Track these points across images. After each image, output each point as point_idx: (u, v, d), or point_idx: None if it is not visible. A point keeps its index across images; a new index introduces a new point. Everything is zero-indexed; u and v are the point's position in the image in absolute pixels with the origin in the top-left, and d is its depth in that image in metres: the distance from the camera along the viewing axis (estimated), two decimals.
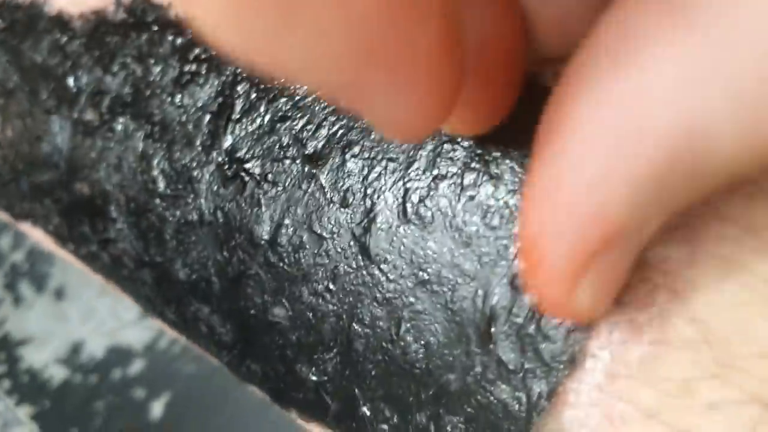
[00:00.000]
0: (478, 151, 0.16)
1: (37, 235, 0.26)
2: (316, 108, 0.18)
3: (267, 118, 0.19)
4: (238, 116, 0.19)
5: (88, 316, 0.42)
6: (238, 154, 0.19)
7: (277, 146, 0.19)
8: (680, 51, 0.10)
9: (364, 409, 0.17)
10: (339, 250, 0.17)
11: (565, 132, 0.11)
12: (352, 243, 0.17)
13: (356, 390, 0.17)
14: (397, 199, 0.17)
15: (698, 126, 0.10)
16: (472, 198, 0.16)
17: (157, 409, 0.39)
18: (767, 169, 0.11)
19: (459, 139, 0.16)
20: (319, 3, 0.09)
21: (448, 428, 0.16)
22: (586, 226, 0.11)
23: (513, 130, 0.15)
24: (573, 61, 0.11)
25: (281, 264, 0.18)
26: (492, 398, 0.15)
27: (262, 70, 0.10)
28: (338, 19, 0.09)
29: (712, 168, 0.10)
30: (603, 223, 0.11)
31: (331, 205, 0.18)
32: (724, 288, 0.13)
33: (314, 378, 0.18)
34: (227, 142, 0.20)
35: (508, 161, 0.16)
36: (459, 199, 0.16)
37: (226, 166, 0.20)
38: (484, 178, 0.16)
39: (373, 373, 0.17)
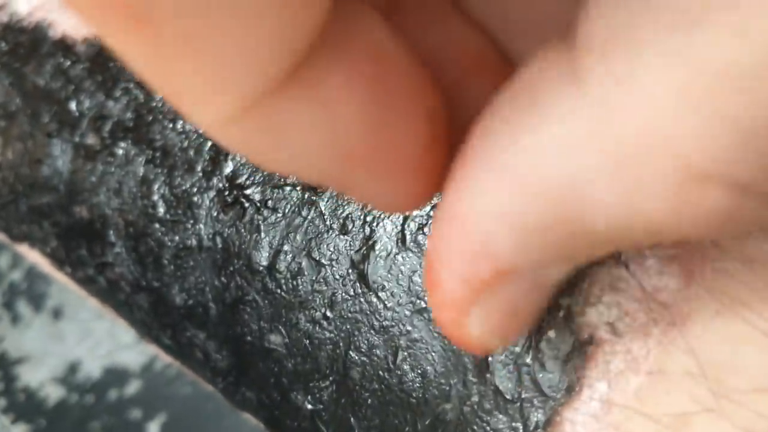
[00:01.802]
0: None
1: (34, 257, 0.26)
2: None
3: None
4: None
5: (86, 336, 0.42)
6: (239, 181, 0.19)
7: (277, 173, 0.19)
8: (568, 115, 0.10)
9: None
10: (337, 277, 0.18)
11: (471, 164, 0.11)
12: (350, 270, 0.17)
13: (352, 419, 0.17)
14: (396, 227, 0.17)
15: (578, 186, 0.10)
16: None
17: (152, 430, 0.39)
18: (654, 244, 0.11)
19: None
20: (303, 123, 0.10)
21: None
22: (475, 258, 0.12)
23: None
24: (489, 105, 0.11)
25: (279, 290, 0.18)
26: (488, 428, 0.15)
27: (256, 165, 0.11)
28: (321, 135, 0.10)
29: (593, 229, 0.10)
30: (489, 258, 0.11)
31: (331, 232, 0.18)
32: (720, 321, 0.13)
33: (310, 406, 0.18)
34: (228, 168, 0.20)
35: None
36: None
37: (227, 192, 0.20)
38: None
39: (369, 402, 0.17)
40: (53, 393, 0.41)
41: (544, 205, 0.10)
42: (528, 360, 0.15)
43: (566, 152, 0.10)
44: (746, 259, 0.13)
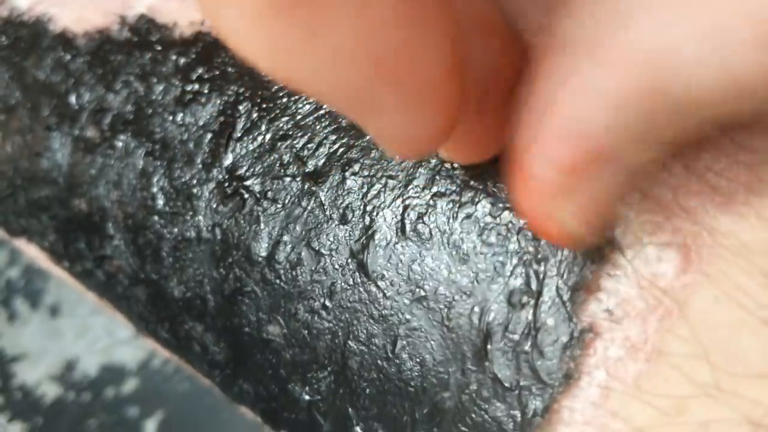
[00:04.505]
0: (476, 170, 0.16)
1: (32, 252, 0.26)
2: (317, 127, 0.19)
3: (268, 136, 0.19)
4: (239, 135, 0.20)
5: (83, 334, 0.41)
6: (239, 172, 0.20)
7: (277, 164, 0.19)
8: None
9: (358, 428, 0.17)
10: (337, 266, 0.18)
11: (558, 49, 0.12)
12: (350, 260, 0.17)
13: (350, 409, 0.17)
14: (396, 216, 0.17)
15: (672, 54, 0.10)
16: (469, 215, 0.16)
17: (150, 427, 0.39)
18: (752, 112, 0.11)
19: None
20: (340, 18, 0.10)
21: None
22: (569, 141, 0.12)
23: None
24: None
25: (278, 281, 0.18)
26: (487, 416, 0.15)
27: (278, 77, 0.11)
28: (355, 34, 0.10)
29: (684, 96, 0.11)
30: (584, 140, 0.12)
31: (330, 222, 0.18)
32: (718, 307, 0.13)
33: (307, 397, 0.18)
34: (228, 160, 0.20)
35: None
36: (457, 216, 0.16)
37: (226, 184, 0.20)
38: (482, 195, 0.16)
39: (367, 391, 0.17)
40: (50, 391, 0.41)
41: (633, 76, 0.11)
42: (527, 348, 0.15)
43: (654, 17, 0.10)
44: (743, 246, 0.13)
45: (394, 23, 0.10)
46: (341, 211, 0.18)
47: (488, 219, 0.16)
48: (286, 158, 0.19)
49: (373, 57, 0.10)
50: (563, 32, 0.12)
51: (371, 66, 0.10)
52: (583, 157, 0.12)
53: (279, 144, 0.19)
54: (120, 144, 0.22)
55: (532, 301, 0.15)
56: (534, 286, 0.15)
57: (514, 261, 0.15)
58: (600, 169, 0.12)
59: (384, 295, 0.17)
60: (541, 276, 0.15)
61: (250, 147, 0.19)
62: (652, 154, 0.13)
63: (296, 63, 0.10)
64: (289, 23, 0.10)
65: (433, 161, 0.17)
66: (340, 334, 0.17)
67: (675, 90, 0.11)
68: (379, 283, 0.17)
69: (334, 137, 0.18)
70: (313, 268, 0.18)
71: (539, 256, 0.15)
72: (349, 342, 0.17)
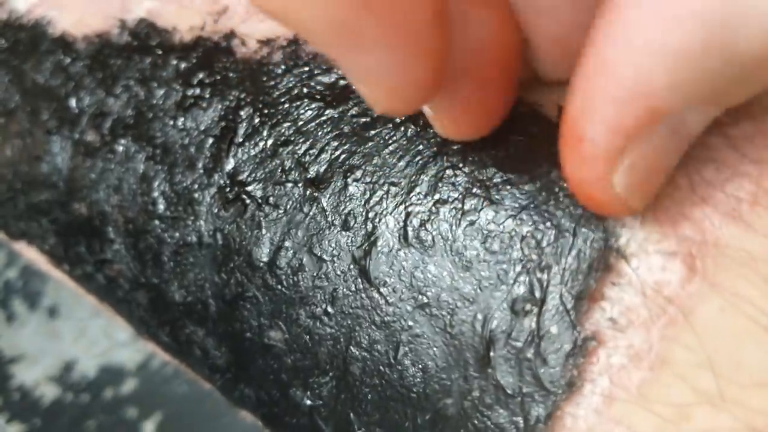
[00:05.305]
0: (480, 177, 0.16)
1: (31, 255, 0.26)
2: (319, 133, 0.19)
3: (270, 142, 0.19)
4: (240, 140, 0.20)
5: (81, 335, 0.41)
6: (240, 177, 0.20)
7: (279, 170, 0.19)
8: None
9: None
10: (339, 272, 0.18)
11: (618, 7, 0.12)
12: (352, 266, 0.17)
13: (351, 415, 0.17)
14: (399, 223, 0.17)
15: (733, 9, 0.10)
16: (472, 223, 0.16)
17: (148, 429, 0.39)
18: None
19: (461, 165, 0.16)
20: None
21: None
22: (627, 100, 0.12)
23: (514, 159, 0.16)
24: None
25: (279, 286, 0.19)
26: (489, 423, 0.15)
27: (261, 6, 0.11)
28: None
29: (747, 52, 0.11)
30: (644, 98, 0.12)
31: (332, 228, 0.18)
32: (723, 317, 0.13)
33: (309, 402, 0.18)
34: (229, 165, 0.20)
35: (509, 187, 0.16)
36: (460, 223, 0.16)
37: (228, 189, 0.20)
38: (485, 203, 0.16)
39: (369, 397, 0.17)
40: (48, 392, 0.41)
41: (699, 34, 0.11)
42: (530, 355, 0.15)
43: None
44: (748, 256, 0.13)
45: None
46: (343, 217, 0.18)
47: (491, 227, 0.16)
48: (287, 164, 0.19)
49: None
50: None
51: None
52: (641, 118, 0.12)
53: (281, 150, 0.19)
54: (120, 148, 0.22)
55: (536, 309, 0.15)
56: (537, 294, 0.15)
57: (518, 269, 0.15)
58: (656, 131, 0.12)
59: (386, 301, 0.17)
60: (545, 284, 0.15)
61: (252, 152, 0.19)
62: (710, 116, 0.12)
63: None
64: None
65: (436, 167, 0.17)
66: (341, 339, 0.17)
67: (741, 47, 0.11)
68: (382, 289, 0.17)
69: (336, 143, 0.18)
70: (314, 274, 0.18)
71: (543, 264, 0.15)
72: (351, 348, 0.17)
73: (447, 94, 0.14)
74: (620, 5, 0.12)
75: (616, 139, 0.12)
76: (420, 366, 0.16)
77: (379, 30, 0.11)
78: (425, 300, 0.16)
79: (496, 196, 0.16)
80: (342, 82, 0.19)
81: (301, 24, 0.11)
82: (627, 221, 0.14)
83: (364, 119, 0.18)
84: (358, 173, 0.18)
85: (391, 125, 0.18)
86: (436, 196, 0.17)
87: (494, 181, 0.16)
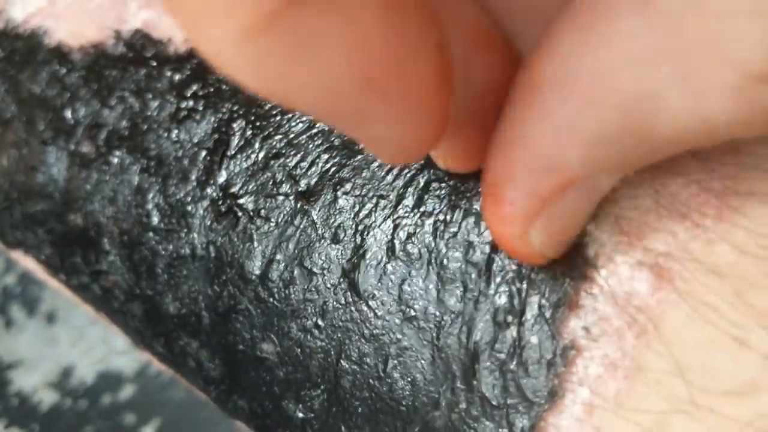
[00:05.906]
0: (462, 189, 0.16)
1: (28, 263, 0.26)
2: (310, 145, 0.19)
3: (261, 154, 0.19)
4: (233, 152, 0.20)
5: (79, 341, 0.42)
6: (232, 190, 0.20)
7: (270, 182, 0.19)
8: (638, 32, 0.11)
9: None
10: (329, 285, 0.18)
11: (538, 88, 0.12)
12: (341, 279, 0.18)
13: (342, 427, 0.17)
14: (386, 236, 0.17)
15: (647, 97, 0.11)
16: (455, 234, 0.16)
17: None
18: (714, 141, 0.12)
19: (445, 177, 0.17)
20: (327, 36, 0.10)
21: None
22: (543, 172, 0.13)
23: None
24: (552, 29, 0.12)
25: (271, 299, 0.19)
26: None
27: (267, 96, 0.11)
28: (342, 51, 0.10)
29: (660, 135, 0.11)
30: (558, 172, 0.13)
31: (323, 241, 0.18)
32: (692, 325, 0.14)
33: (301, 414, 0.18)
34: (222, 177, 0.20)
35: None
36: (443, 235, 0.16)
37: (220, 202, 0.20)
38: (467, 215, 0.16)
39: (359, 410, 0.17)
40: (46, 398, 0.41)
41: (614, 118, 0.11)
42: (513, 366, 0.15)
43: (637, 66, 0.11)
44: (713, 269, 0.14)
45: (381, 39, 0.10)
46: (333, 230, 0.18)
47: (472, 237, 0.16)
48: (279, 176, 0.19)
49: (360, 72, 0.10)
50: (543, 71, 0.12)
51: (359, 81, 0.10)
52: (555, 186, 0.13)
53: (272, 162, 0.19)
54: (115, 160, 0.22)
55: (516, 320, 0.15)
56: (517, 304, 0.15)
57: (498, 279, 0.16)
58: (569, 194, 0.13)
59: (375, 314, 0.17)
60: (523, 294, 0.15)
61: (244, 165, 0.20)
62: (619, 177, 0.13)
63: (283, 81, 0.10)
64: (274, 42, 0.10)
65: (423, 180, 0.17)
66: (332, 352, 0.18)
67: (654, 130, 0.11)
68: (370, 302, 0.17)
69: (326, 156, 0.18)
70: (305, 287, 0.18)
71: (521, 274, 0.15)
72: (342, 361, 0.17)
73: (450, 136, 0.15)
74: (539, 83, 0.12)
75: (532, 203, 0.13)
76: (409, 379, 0.16)
77: (383, 108, 0.11)
78: (413, 313, 0.17)
79: (476, 207, 0.16)
80: None
81: (305, 109, 0.11)
82: (594, 233, 0.15)
83: None
84: (348, 186, 0.18)
85: None
86: (422, 209, 0.17)
87: (476, 191, 0.16)
